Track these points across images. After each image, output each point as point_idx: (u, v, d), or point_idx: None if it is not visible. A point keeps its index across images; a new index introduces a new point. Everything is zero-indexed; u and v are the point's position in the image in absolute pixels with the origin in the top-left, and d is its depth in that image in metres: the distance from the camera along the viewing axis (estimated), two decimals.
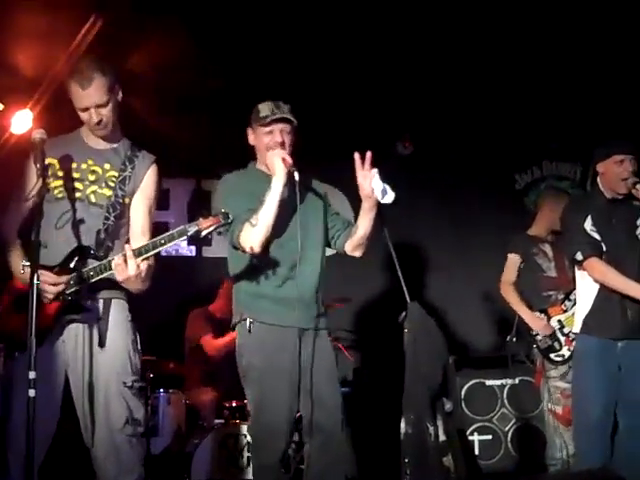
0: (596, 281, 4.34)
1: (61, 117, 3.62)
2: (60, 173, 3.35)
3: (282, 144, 3.77)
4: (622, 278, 4.26)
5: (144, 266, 3.13)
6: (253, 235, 3.62)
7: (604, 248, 4.32)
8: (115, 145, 3.48)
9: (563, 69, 6.45)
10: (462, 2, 5.67)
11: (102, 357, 3.26)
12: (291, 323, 3.73)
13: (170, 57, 5.59)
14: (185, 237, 3.09)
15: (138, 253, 3.11)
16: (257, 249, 3.64)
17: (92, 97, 3.26)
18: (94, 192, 3.37)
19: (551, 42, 6.13)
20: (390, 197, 3.71)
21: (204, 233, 3.10)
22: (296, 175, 3.65)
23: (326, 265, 3.98)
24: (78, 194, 3.34)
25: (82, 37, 5.27)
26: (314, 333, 3.82)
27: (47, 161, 3.15)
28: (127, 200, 3.41)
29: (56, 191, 3.32)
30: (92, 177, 3.38)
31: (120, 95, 3.41)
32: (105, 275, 3.19)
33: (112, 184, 3.38)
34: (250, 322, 3.75)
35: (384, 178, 3.86)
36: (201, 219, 3.10)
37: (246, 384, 3.82)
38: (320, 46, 5.94)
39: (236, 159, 3.94)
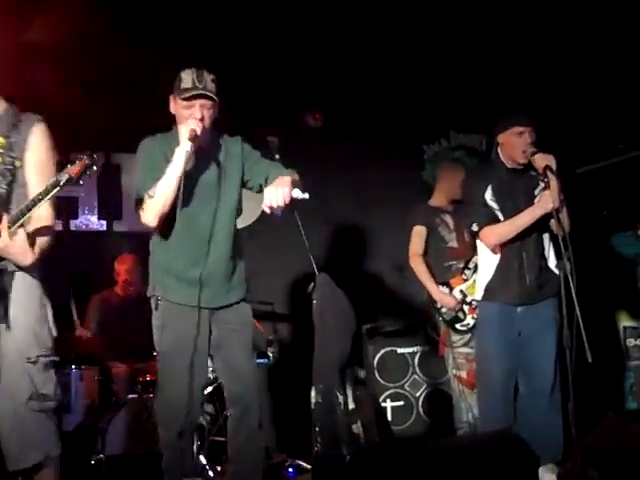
0: (495, 248, 4.42)
1: None
2: None
3: (201, 120, 3.66)
4: (507, 221, 4.36)
5: (21, 235, 3.04)
6: (149, 208, 3.58)
7: (501, 218, 4.41)
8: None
9: (473, 42, 6.53)
10: None
11: (6, 333, 3.14)
12: (198, 304, 3.69)
13: (79, 27, 5.47)
14: (59, 187, 2.99)
15: (12, 221, 3.01)
16: (152, 223, 3.61)
17: None
18: None
19: (461, 15, 6.20)
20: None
21: (75, 179, 3.00)
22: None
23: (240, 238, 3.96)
24: None
25: None
26: (226, 309, 3.81)
27: None
28: (18, 163, 3.21)
29: None
30: None
31: None
32: None
33: None
34: (158, 299, 3.75)
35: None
36: (69, 166, 3.01)
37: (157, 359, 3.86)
38: (228, 16, 5.90)
39: (146, 132, 3.89)
